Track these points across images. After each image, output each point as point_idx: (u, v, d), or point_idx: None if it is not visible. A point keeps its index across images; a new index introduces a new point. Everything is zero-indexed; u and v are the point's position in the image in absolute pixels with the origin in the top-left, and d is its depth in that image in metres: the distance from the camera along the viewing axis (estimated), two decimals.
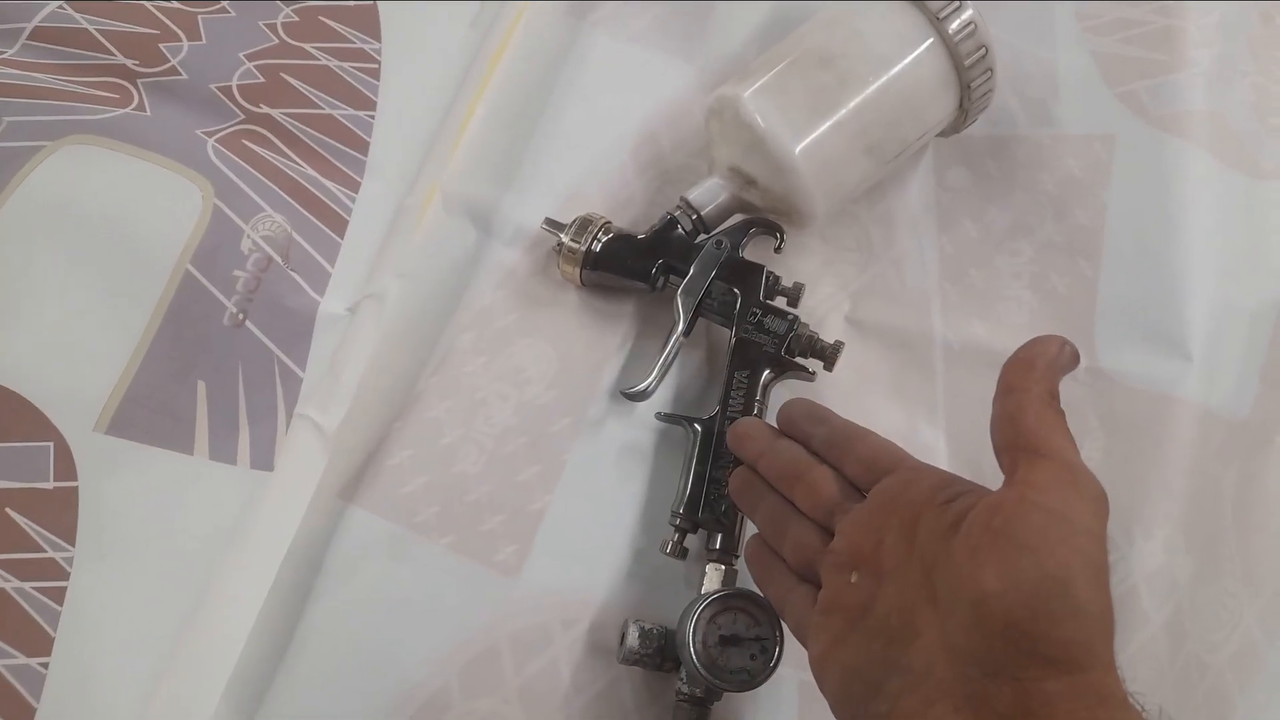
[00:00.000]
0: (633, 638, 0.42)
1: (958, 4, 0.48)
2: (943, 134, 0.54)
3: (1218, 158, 0.55)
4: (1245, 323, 0.52)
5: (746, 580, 0.45)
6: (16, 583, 0.43)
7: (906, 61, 0.49)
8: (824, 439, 0.40)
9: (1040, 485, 0.30)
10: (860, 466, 0.38)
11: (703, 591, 0.43)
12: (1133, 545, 0.46)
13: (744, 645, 0.40)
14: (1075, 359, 0.33)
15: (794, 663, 0.45)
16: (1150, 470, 0.48)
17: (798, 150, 0.47)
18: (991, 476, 0.32)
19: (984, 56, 0.49)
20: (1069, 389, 0.32)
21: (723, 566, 0.44)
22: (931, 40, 0.49)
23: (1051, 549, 0.28)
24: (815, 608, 0.35)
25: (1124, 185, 0.54)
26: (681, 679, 0.43)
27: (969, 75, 0.49)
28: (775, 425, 0.42)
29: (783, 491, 0.40)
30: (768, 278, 0.49)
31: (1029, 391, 0.31)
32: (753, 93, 0.48)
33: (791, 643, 0.43)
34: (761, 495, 0.40)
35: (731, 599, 0.41)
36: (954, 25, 0.48)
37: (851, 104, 0.48)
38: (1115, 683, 0.28)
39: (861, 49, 0.49)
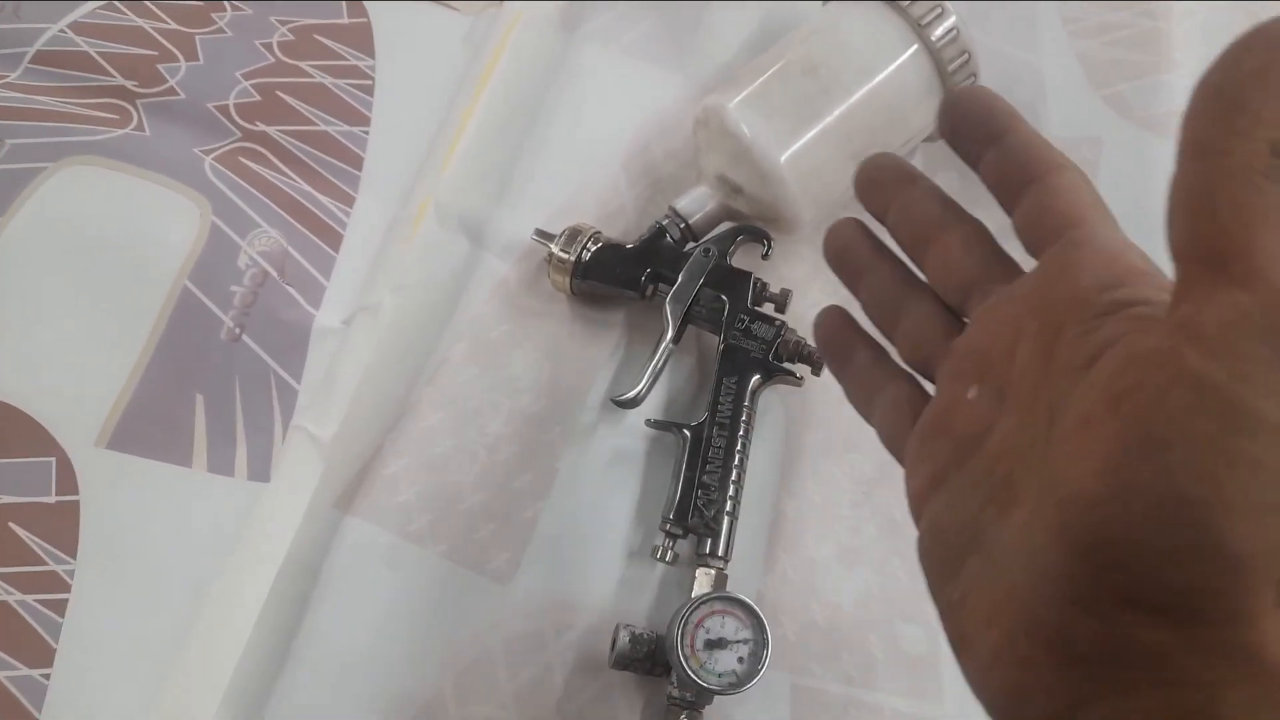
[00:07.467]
0: (623, 642, 0.43)
1: (940, 10, 0.49)
2: (930, 139, 0.54)
3: None
4: None
5: (736, 583, 0.45)
6: (19, 595, 0.44)
7: (890, 69, 0.49)
8: (993, 163, 0.27)
9: (1207, 335, 0.17)
10: (1032, 216, 0.26)
11: (693, 595, 0.44)
12: None
13: (731, 648, 0.41)
14: None
15: (786, 665, 0.46)
16: None
17: (783, 159, 0.48)
18: None
19: (967, 62, 0.49)
20: None
21: (712, 570, 0.45)
22: (915, 47, 0.49)
23: (1198, 455, 0.17)
24: (918, 425, 0.27)
25: (1111, 188, 0.53)
26: (672, 683, 0.43)
27: (953, 81, 0.49)
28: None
29: (911, 256, 0.29)
30: (755, 284, 0.49)
31: (1230, 154, 0.18)
32: (738, 102, 0.48)
33: (780, 643, 0.43)
34: (872, 262, 0.30)
35: (718, 602, 0.42)
36: (936, 32, 0.49)
37: (836, 112, 0.48)
38: (1268, 638, 0.17)
39: (845, 57, 0.49)
